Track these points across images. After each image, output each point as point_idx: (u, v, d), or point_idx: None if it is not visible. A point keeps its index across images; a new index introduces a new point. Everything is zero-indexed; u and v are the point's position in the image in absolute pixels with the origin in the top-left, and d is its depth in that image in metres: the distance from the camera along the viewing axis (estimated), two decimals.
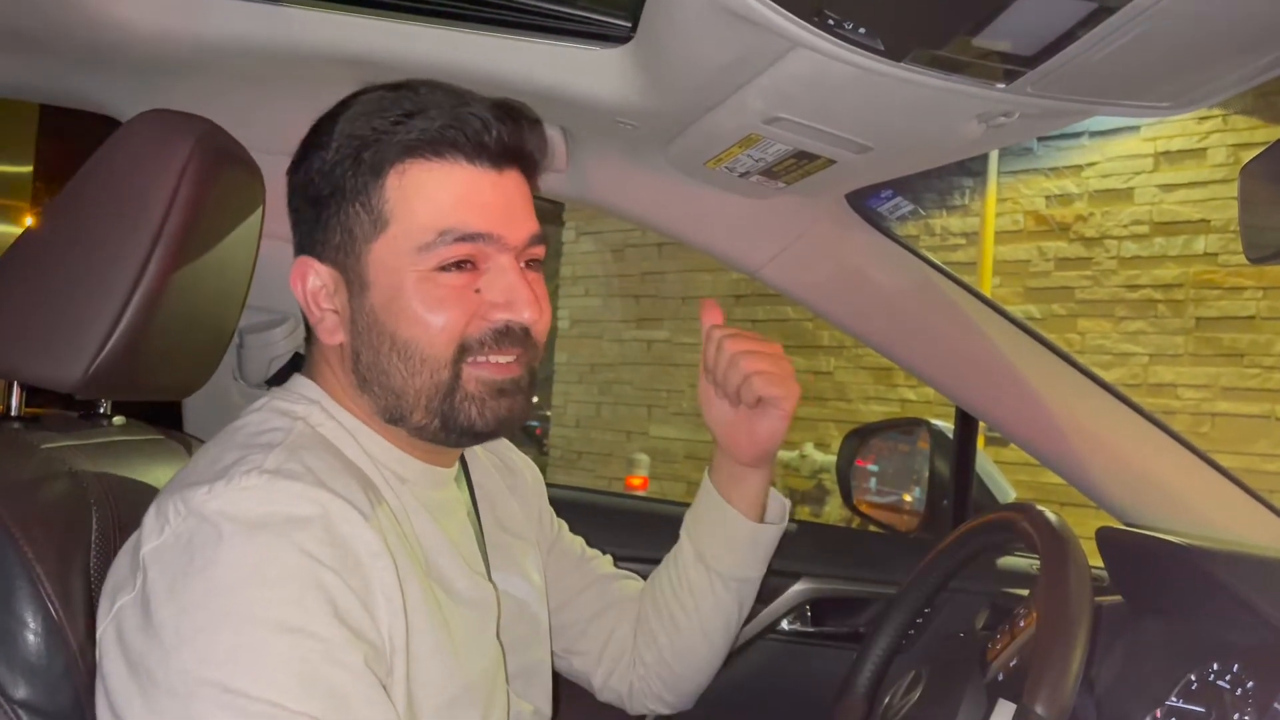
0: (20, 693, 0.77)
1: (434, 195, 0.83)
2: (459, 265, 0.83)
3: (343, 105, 0.87)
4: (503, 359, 0.85)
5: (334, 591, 0.72)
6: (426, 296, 0.82)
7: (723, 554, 1.11)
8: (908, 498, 1.76)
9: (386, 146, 0.82)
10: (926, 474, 1.66)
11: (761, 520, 1.11)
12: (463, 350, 0.84)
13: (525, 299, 0.84)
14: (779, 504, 1.14)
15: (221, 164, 0.92)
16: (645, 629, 1.15)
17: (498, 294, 0.84)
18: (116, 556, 0.78)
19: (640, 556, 1.28)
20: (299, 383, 0.90)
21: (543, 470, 1.21)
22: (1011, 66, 0.77)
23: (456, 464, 0.97)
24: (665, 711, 1.20)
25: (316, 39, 1.05)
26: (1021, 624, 1.00)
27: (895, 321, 1.35)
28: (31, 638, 0.77)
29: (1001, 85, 0.81)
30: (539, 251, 0.88)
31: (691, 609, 1.12)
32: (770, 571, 1.14)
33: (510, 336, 0.85)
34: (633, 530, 1.55)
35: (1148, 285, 4.69)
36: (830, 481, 5.64)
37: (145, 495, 0.89)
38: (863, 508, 1.76)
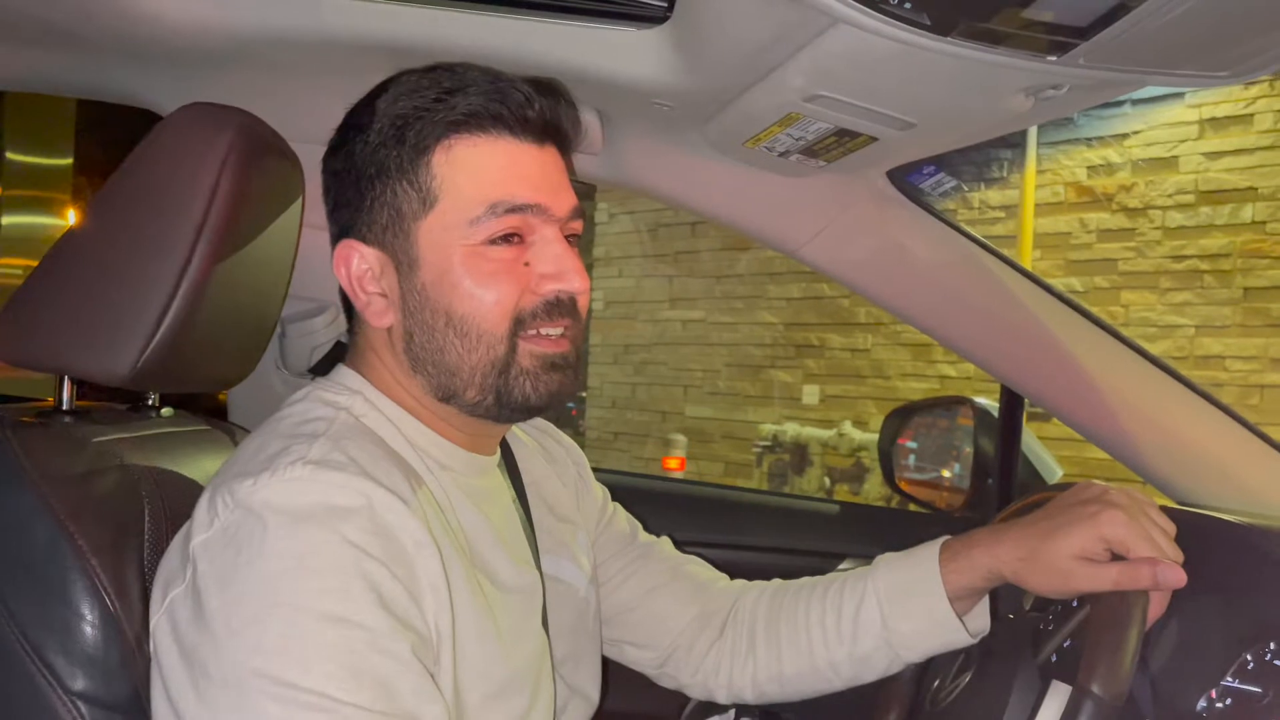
0: (79, 684, 0.78)
1: (481, 169, 0.83)
2: (507, 239, 0.83)
3: (380, 88, 0.87)
4: (554, 331, 0.86)
5: (379, 581, 0.73)
6: (477, 271, 0.83)
7: (914, 639, 1.02)
8: (946, 474, 1.74)
9: (430, 124, 0.83)
10: (970, 452, 1.63)
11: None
12: (517, 324, 0.84)
13: (574, 268, 0.85)
14: (985, 618, 1.04)
15: (261, 155, 0.93)
16: (772, 637, 1.08)
17: (547, 264, 0.84)
18: (168, 548, 0.79)
19: (680, 539, 1.27)
20: (342, 373, 0.90)
21: None
22: (1063, 38, 0.75)
23: (498, 451, 0.97)
24: (750, 702, 1.13)
25: (351, 27, 1.05)
26: (1074, 604, 0.98)
27: (938, 299, 1.33)
28: (89, 629, 0.79)
29: (1052, 57, 0.79)
30: (578, 226, 0.88)
31: (841, 658, 1.05)
32: (815, 553, 1.12)
33: (561, 307, 0.85)
34: (672, 512, 1.55)
35: (1194, 255, 4.60)
36: (869, 459, 5.61)
37: (194, 486, 0.90)
38: (905, 487, 1.74)
